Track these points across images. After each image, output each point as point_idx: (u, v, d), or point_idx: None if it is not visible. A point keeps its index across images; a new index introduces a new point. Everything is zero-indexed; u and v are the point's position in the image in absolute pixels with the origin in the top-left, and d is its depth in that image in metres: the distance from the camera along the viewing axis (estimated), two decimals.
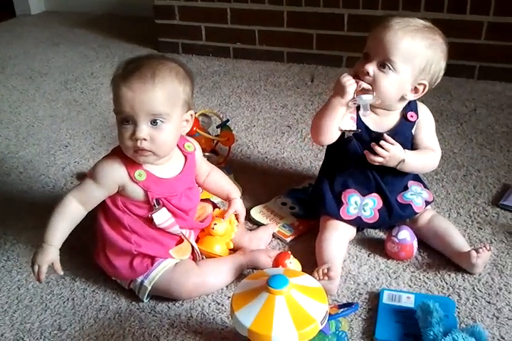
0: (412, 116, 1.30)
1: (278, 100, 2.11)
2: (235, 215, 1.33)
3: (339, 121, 1.26)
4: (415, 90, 1.25)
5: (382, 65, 1.21)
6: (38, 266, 1.11)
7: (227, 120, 1.70)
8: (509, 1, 2.00)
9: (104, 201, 1.17)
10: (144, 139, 1.07)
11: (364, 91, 1.22)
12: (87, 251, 1.34)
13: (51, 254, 1.13)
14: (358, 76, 1.23)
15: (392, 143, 1.24)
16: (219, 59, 2.50)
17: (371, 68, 1.21)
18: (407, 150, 1.26)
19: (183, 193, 1.19)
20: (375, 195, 1.32)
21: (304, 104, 2.07)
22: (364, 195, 1.32)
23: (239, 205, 1.33)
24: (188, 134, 1.58)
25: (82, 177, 1.64)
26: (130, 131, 1.08)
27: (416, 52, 1.20)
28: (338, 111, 1.25)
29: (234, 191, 1.34)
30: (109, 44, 2.75)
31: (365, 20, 2.14)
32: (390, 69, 1.20)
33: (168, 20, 2.53)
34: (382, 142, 1.23)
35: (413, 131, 1.31)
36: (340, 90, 1.23)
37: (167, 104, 1.08)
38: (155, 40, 2.62)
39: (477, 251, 1.20)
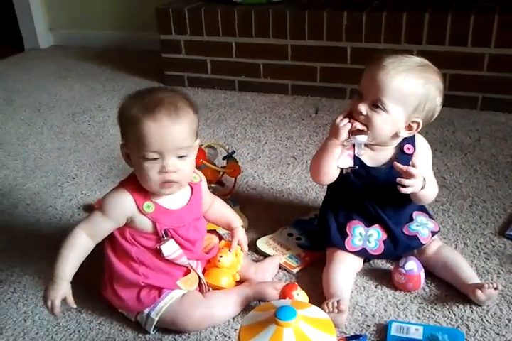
0: (408, 149, 1.30)
1: (283, 132, 2.13)
2: (239, 245, 1.33)
3: (336, 161, 1.28)
4: (409, 127, 1.26)
5: (375, 105, 1.22)
6: (52, 301, 1.11)
7: (233, 151, 1.72)
8: (509, 33, 2.03)
9: (111, 233, 1.17)
10: (174, 172, 1.09)
11: (359, 131, 1.24)
12: (93, 283, 1.34)
13: (63, 288, 1.13)
14: (353, 115, 1.25)
15: (411, 173, 1.22)
16: (224, 92, 2.54)
17: (364, 108, 1.22)
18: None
19: (191, 224, 1.20)
20: (378, 225, 1.33)
21: (309, 135, 2.09)
22: (368, 227, 1.33)
23: (241, 234, 1.33)
24: (195, 166, 1.61)
25: (88, 209, 1.66)
26: (158, 166, 1.08)
27: (408, 93, 1.20)
28: (334, 152, 1.27)
29: (235, 219, 1.35)
30: (116, 77, 2.80)
31: (368, 53, 2.18)
32: (381, 109, 1.21)
33: (174, 54, 2.58)
34: (407, 168, 1.21)
35: (410, 163, 1.31)
36: (334, 132, 1.25)
37: (190, 137, 1.11)
38: (161, 74, 2.66)
39: (481, 289, 1.19)
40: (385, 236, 1.32)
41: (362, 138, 1.24)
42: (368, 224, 1.33)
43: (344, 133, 1.24)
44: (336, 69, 2.32)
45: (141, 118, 1.05)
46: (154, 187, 1.12)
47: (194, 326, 1.17)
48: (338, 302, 1.16)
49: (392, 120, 1.22)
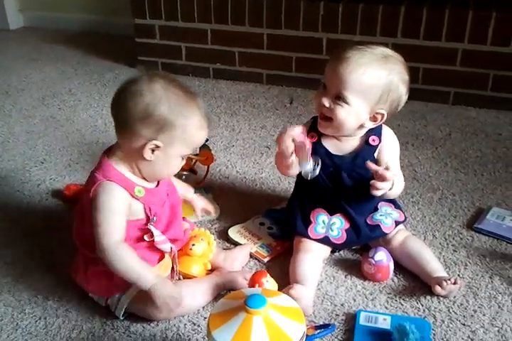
0: (373, 140, 1.31)
1: (257, 121, 2.12)
2: (206, 211, 1.40)
3: (292, 163, 1.26)
4: (374, 119, 1.26)
5: (337, 98, 1.22)
6: (177, 297, 1.12)
7: (207, 139, 1.70)
8: (482, 30, 2.06)
9: (89, 219, 1.14)
10: None
11: (305, 157, 1.22)
12: (60, 269, 1.32)
13: (166, 281, 1.13)
14: (316, 107, 1.26)
15: (381, 170, 1.21)
16: (199, 79, 2.51)
17: (327, 101, 1.23)
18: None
19: (168, 201, 1.22)
20: (341, 214, 1.34)
21: (283, 125, 2.08)
22: (331, 215, 1.34)
23: (200, 201, 1.39)
24: None
25: (57, 194, 1.63)
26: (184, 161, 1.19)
27: (369, 85, 1.20)
28: (287, 160, 1.25)
29: (189, 190, 1.38)
30: (88, 61, 2.74)
31: (343, 44, 2.18)
32: (344, 102, 1.21)
33: (148, 39, 2.54)
34: (381, 171, 1.21)
35: (375, 154, 1.31)
36: (278, 144, 1.24)
37: None
38: (134, 59, 2.62)
39: (441, 285, 1.21)
40: (347, 225, 1.33)
41: (309, 167, 1.23)
42: (332, 212, 1.34)
43: (288, 155, 1.23)
44: (311, 60, 2.32)
45: (187, 127, 1.12)
46: (164, 177, 1.20)
47: (163, 314, 1.16)
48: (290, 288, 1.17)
49: (355, 112, 1.23)
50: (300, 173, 1.28)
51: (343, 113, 1.22)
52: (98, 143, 1.96)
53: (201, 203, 1.39)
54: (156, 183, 1.20)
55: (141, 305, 1.15)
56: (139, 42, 2.57)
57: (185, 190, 1.37)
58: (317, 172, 1.24)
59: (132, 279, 1.11)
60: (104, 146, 1.90)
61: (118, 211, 1.12)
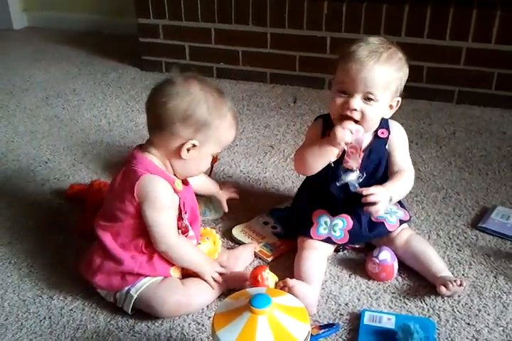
0: (383, 133, 1.32)
1: (261, 120, 2.12)
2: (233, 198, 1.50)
3: (327, 162, 1.27)
4: (390, 107, 1.29)
5: (366, 99, 1.23)
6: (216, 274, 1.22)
7: None
8: (487, 28, 2.05)
9: (120, 221, 1.16)
10: None
11: (356, 162, 1.25)
12: (65, 269, 1.33)
13: (214, 262, 1.25)
14: (342, 113, 1.24)
15: (371, 193, 1.22)
16: None
17: (357, 104, 1.23)
18: (386, 186, 1.26)
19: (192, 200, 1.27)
20: (344, 215, 1.33)
21: (287, 124, 2.08)
22: (334, 216, 1.34)
23: (224, 194, 1.48)
24: None
25: (61, 194, 1.63)
26: None
27: (391, 79, 1.23)
28: (329, 158, 1.26)
29: (215, 185, 1.47)
30: (92, 61, 2.75)
31: (347, 43, 2.17)
32: (373, 100, 1.23)
33: (152, 38, 2.54)
34: (367, 192, 1.22)
35: (387, 147, 1.33)
36: (334, 141, 1.23)
37: None
38: (138, 58, 2.62)
39: (446, 286, 1.20)
40: (350, 226, 1.33)
41: (352, 178, 1.25)
42: (334, 213, 1.34)
43: (343, 144, 1.23)
44: (315, 59, 2.31)
45: (223, 126, 1.16)
46: (195, 175, 1.24)
47: (169, 312, 1.17)
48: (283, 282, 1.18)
49: (381, 106, 1.25)
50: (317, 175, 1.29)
51: (373, 111, 1.24)
52: (102, 143, 1.96)
53: (225, 196, 1.48)
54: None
55: (147, 300, 1.16)
56: (142, 41, 2.57)
57: (212, 184, 1.46)
58: (356, 187, 1.26)
59: (192, 267, 1.21)
60: (108, 146, 1.93)
61: (170, 205, 1.16)
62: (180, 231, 1.19)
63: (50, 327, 1.17)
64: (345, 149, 1.24)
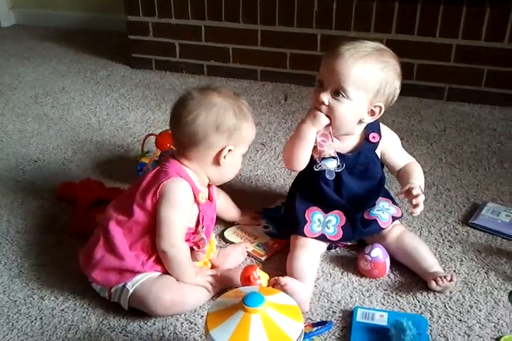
0: (374, 137, 1.31)
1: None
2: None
3: (310, 147, 1.28)
4: (372, 113, 1.26)
5: (336, 93, 1.22)
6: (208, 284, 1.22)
7: None
8: (477, 25, 2.06)
9: (135, 216, 1.17)
10: None
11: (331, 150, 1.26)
12: (55, 269, 1.32)
13: (203, 271, 1.24)
14: (315, 105, 1.25)
15: (416, 195, 1.24)
16: (193, 76, 2.50)
17: (326, 97, 1.22)
18: (414, 182, 1.28)
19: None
20: (337, 211, 1.34)
21: (278, 122, 2.08)
22: (327, 212, 1.34)
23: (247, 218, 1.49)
24: (162, 150, 1.59)
25: (51, 193, 1.62)
26: None
27: (368, 78, 1.21)
28: (309, 138, 1.27)
29: (238, 211, 1.48)
30: (81, 59, 2.73)
31: (338, 40, 2.17)
32: (344, 97, 1.21)
33: (141, 36, 2.53)
34: (416, 195, 1.24)
35: (377, 151, 1.33)
36: (314, 118, 1.25)
37: None
38: (128, 56, 2.61)
39: (437, 281, 1.21)
40: (343, 222, 1.33)
41: (332, 166, 1.27)
42: (327, 209, 1.34)
43: (324, 122, 1.24)
44: (305, 56, 2.31)
45: (248, 126, 1.21)
46: (231, 178, 1.27)
47: (163, 310, 1.16)
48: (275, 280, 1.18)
49: (354, 107, 1.23)
50: (301, 172, 1.29)
51: (342, 109, 1.22)
52: (92, 142, 1.95)
53: (245, 223, 1.48)
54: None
55: (142, 296, 1.15)
56: (132, 39, 2.56)
57: (235, 210, 1.47)
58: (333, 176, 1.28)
59: (181, 276, 1.19)
60: (98, 145, 1.92)
61: (186, 209, 1.18)
62: (196, 247, 1.22)
63: (42, 328, 1.17)
64: (317, 140, 1.26)
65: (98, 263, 1.18)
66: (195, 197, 1.19)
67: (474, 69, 2.12)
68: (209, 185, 1.27)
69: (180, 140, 1.20)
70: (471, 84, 2.16)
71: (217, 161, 1.19)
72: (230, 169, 1.24)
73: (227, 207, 1.45)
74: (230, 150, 1.19)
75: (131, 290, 1.16)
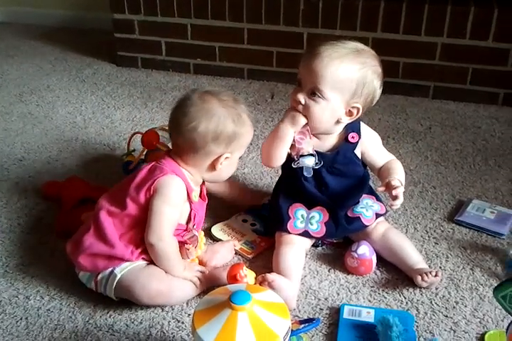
0: (353, 137, 1.32)
1: None
2: None
3: (287, 147, 1.29)
4: (349, 113, 1.26)
5: (312, 94, 1.22)
6: (195, 280, 1.22)
7: None
8: (461, 24, 2.07)
9: (128, 209, 1.17)
10: None
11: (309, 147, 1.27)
12: (40, 268, 1.31)
13: (191, 266, 1.24)
14: (292, 105, 1.26)
15: (395, 186, 1.26)
16: (179, 74, 2.49)
17: (302, 97, 1.23)
18: (396, 177, 1.29)
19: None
20: (320, 207, 1.34)
21: (265, 120, 2.08)
22: (310, 209, 1.34)
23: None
24: (149, 149, 1.58)
25: (36, 192, 1.61)
26: None
27: (343, 78, 1.21)
28: (287, 140, 1.28)
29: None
30: (66, 57, 2.70)
31: (324, 39, 2.18)
32: (319, 97, 1.22)
33: (127, 34, 2.51)
34: (395, 186, 1.26)
35: (357, 151, 1.33)
36: (292, 119, 1.26)
37: None
38: (114, 54, 2.59)
39: (422, 277, 1.22)
40: (326, 218, 1.34)
41: (310, 163, 1.28)
42: (310, 206, 1.34)
43: (302, 122, 1.25)
44: (292, 55, 2.31)
45: (246, 131, 1.23)
46: (225, 179, 1.29)
47: (149, 299, 1.16)
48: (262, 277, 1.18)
49: (330, 107, 1.23)
50: (284, 170, 1.29)
51: (318, 109, 1.23)
52: (78, 140, 1.93)
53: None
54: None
55: (129, 284, 1.15)
56: (118, 37, 2.54)
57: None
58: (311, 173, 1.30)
59: (169, 269, 1.19)
60: (83, 143, 1.91)
61: (178, 205, 1.19)
62: (190, 245, 1.23)
63: (27, 328, 1.16)
64: (295, 138, 1.27)
65: (86, 249, 1.18)
66: (188, 196, 1.20)
67: (459, 67, 2.14)
68: (202, 184, 1.28)
69: (179, 145, 1.21)
70: (456, 82, 2.17)
71: (213, 166, 1.21)
72: (226, 172, 1.26)
73: (245, 193, 1.54)
74: (227, 157, 1.21)
75: (118, 276, 1.16)
